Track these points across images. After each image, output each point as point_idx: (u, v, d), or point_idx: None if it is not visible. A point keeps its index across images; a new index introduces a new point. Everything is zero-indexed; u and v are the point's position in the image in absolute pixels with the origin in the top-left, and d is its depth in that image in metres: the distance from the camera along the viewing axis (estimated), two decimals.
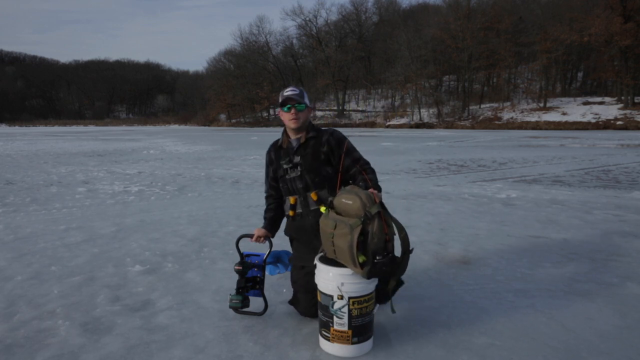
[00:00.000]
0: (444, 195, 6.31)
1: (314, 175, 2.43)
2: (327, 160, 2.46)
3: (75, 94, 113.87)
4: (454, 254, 3.61)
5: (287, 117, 2.47)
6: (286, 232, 2.63)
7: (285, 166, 2.51)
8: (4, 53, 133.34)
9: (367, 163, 2.48)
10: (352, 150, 2.48)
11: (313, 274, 2.21)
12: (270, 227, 2.62)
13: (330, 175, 2.45)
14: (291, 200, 2.49)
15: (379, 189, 2.32)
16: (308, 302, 2.40)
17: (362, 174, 2.38)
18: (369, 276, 1.99)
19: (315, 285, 2.18)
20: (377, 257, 1.97)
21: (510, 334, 2.27)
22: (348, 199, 2.09)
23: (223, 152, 15.07)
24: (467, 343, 2.18)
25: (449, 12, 46.75)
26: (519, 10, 46.54)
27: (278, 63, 65.63)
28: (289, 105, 2.45)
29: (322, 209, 2.23)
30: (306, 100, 2.49)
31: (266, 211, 2.67)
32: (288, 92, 2.49)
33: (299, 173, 2.46)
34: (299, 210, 2.49)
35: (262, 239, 2.58)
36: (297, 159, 2.48)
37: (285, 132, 2.57)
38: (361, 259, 1.96)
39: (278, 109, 2.57)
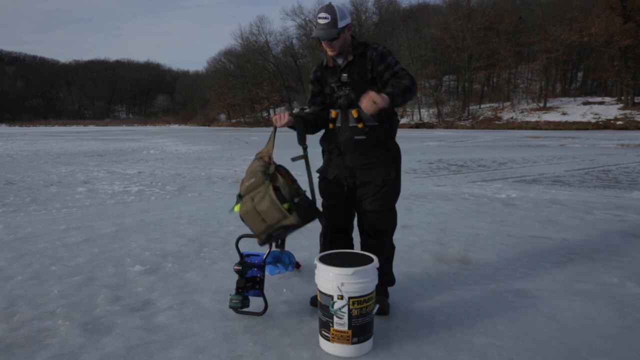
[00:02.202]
0: (444, 195, 6.31)
1: (360, 94, 2.36)
2: (373, 79, 2.44)
3: (75, 94, 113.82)
4: (454, 254, 3.61)
5: (324, 46, 2.44)
6: (321, 142, 2.66)
7: (333, 85, 2.50)
8: (4, 53, 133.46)
9: (403, 70, 2.40)
10: (393, 64, 2.40)
11: (332, 183, 2.55)
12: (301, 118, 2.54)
13: None
14: (333, 113, 2.52)
15: (395, 96, 2.24)
16: (331, 208, 2.59)
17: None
18: (301, 219, 2.23)
19: (334, 191, 2.54)
20: (296, 199, 2.25)
21: (510, 334, 2.27)
22: (250, 178, 2.34)
23: (223, 152, 15.08)
24: (467, 343, 2.18)
25: (449, 12, 46.69)
26: (519, 10, 46.50)
27: (278, 63, 65.60)
28: (321, 38, 2.40)
29: (236, 208, 2.38)
30: (339, 26, 2.36)
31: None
32: (319, 19, 2.37)
33: (346, 92, 2.46)
34: (337, 124, 2.52)
35: (283, 119, 2.42)
36: (344, 77, 2.46)
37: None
38: (286, 206, 2.22)
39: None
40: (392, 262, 2.67)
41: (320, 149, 2.69)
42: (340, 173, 2.53)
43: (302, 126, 2.49)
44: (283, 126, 2.45)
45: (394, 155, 2.54)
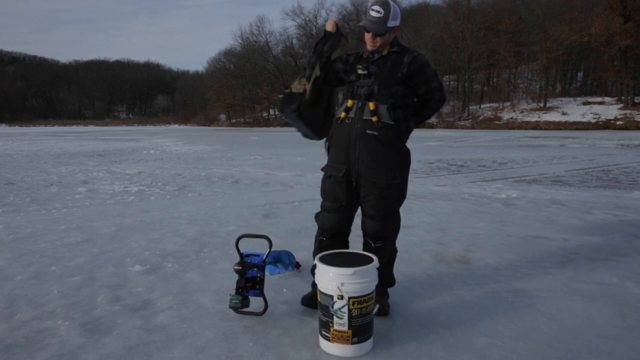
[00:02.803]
0: (444, 195, 6.31)
1: (383, 89, 2.40)
2: (402, 81, 2.42)
3: (75, 94, 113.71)
4: (454, 254, 3.61)
5: (366, 37, 2.45)
6: (330, 136, 2.61)
7: (360, 71, 2.46)
8: (4, 53, 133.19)
9: (439, 90, 2.50)
10: (431, 79, 2.46)
11: (338, 181, 2.48)
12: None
13: (398, 95, 2.42)
14: (349, 103, 2.47)
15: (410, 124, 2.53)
16: (333, 211, 2.55)
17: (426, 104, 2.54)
18: (277, 106, 2.82)
19: (340, 192, 2.49)
20: (286, 90, 2.62)
21: (510, 334, 2.28)
22: None
23: (223, 152, 15.07)
24: (467, 343, 2.18)
25: (449, 12, 46.69)
26: (519, 10, 46.51)
27: (278, 63, 65.55)
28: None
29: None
30: (390, 24, 2.39)
31: None
32: (372, 12, 2.39)
33: (370, 83, 2.43)
34: (351, 115, 2.46)
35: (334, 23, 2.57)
36: (374, 68, 2.45)
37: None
38: (281, 96, 2.63)
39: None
40: (393, 264, 2.66)
41: (322, 150, 2.66)
42: (349, 169, 2.46)
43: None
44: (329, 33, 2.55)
45: (402, 159, 2.50)
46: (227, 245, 3.88)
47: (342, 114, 2.49)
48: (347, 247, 2.69)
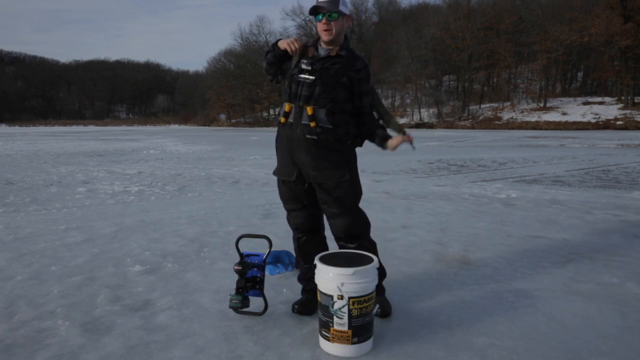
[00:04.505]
0: (444, 195, 6.31)
1: (324, 92, 2.30)
2: (348, 84, 2.33)
3: (75, 94, 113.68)
4: (454, 254, 3.61)
5: (319, 27, 2.31)
6: (276, 139, 2.54)
7: (304, 66, 2.34)
8: (4, 53, 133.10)
9: (380, 114, 2.51)
10: (365, 93, 2.39)
11: (295, 184, 2.44)
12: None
13: (338, 99, 2.32)
14: (287, 107, 2.37)
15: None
16: (297, 211, 2.52)
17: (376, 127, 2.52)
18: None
19: (299, 194, 2.46)
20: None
21: (510, 334, 2.28)
22: None
23: (223, 152, 15.08)
24: (467, 343, 2.18)
25: (449, 12, 46.72)
26: (519, 10, 46.52)
27: None
28: (320, 15, 2.28)
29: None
30: (342, 8, 2.27)
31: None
32: None
33: (311, 80, 2.32)
34: (290, 119, 2.37)
35: (296, 44, 2.36)
36: (318, 66, 2.33)
37: (319, 40, 2.41)
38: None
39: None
40: (377, 256, 2.57)
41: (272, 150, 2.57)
42: (300, 171, 2.40)
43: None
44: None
45: (347, 157, 2.43)
46: (227, 245, 3.88)
47: (282, 119, 2.41)
48: (325, 242, 2.64)
